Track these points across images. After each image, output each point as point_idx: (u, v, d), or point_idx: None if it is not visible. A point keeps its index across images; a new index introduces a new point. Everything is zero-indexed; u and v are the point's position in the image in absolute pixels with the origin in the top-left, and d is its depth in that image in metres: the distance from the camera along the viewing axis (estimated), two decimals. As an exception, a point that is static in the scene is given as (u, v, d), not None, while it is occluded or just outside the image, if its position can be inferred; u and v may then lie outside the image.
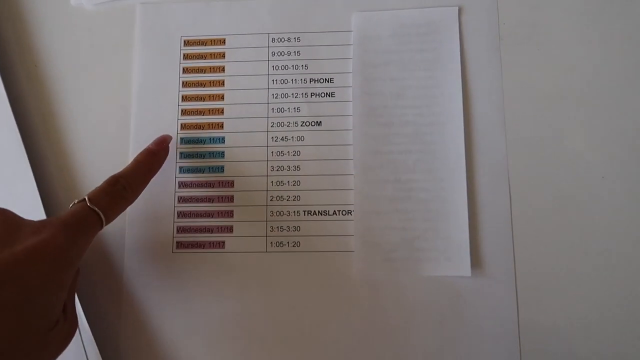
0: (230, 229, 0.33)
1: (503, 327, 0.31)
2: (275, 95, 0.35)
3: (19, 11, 0.37)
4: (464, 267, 0.31)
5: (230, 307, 0.32)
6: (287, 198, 0.33)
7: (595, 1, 0.34)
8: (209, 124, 0.34)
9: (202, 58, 0.35)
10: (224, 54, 0.35)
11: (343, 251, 0.32)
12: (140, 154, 0.31)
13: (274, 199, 0.33)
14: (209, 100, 0.35)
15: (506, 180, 0.33)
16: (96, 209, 0.26)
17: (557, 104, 0.33)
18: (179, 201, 0.34)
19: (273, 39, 0.35)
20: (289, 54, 0.35)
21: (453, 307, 0.31)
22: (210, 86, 0.35)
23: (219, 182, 0.34)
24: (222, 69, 0.35)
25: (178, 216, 0.34)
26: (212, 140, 0.34)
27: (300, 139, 0.34)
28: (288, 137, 0.34)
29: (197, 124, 0.35)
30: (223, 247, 0.33)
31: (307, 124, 0.34)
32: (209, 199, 0.34)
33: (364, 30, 0.34)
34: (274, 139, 0.34)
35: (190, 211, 0.34)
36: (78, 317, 0.31)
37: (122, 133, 0.35)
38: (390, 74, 0.34)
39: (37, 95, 0.36)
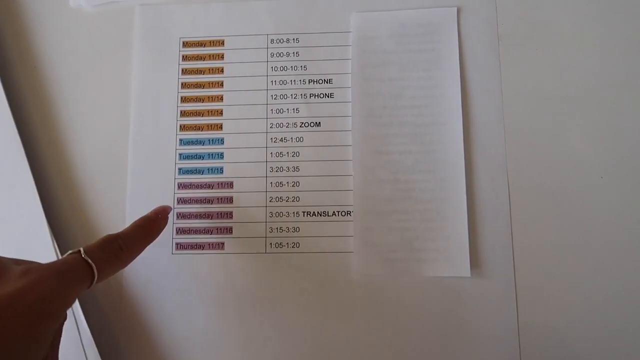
0: (229, 230, 0.33)
1: (502, 327, 0.31)
2: (274, 96, 0.35)
3: (19, 13, 0.37)
4: (464, 267, 0.31)
5: (229, 309, 0.32)
6: (286, 199, 0.33)
7: (594, 1, 0.34)
8: (208, 125, 0.35)
9: (201, 59, 0.35)
10: (222, 55, 0.35)
11: (342, 252, 0.32)
12: (139, 219, 0.30)
13: (273, 199, 0.33)
14: (208, 101, 0.35)
15: (505, 181, 0.33)
16: (90, 261, 0.24)
17: (556, 104, 0.33)
18: (178, 202, 0.34)
19: (272, 40, 0.35)
20: (288, 55, 0.35)
21: (452, 308, 0.31)
22: (209, 87, 0.35)
23: (218, 184, 0.34)
24: (221, 70, 0.35)
25: (177, 217, 0.34)
26: (211, 141, 0.34)
27: (300, 139, 0.34)
28: (287, 138, 0.34)
29: (196, 125, 0.35)
30: (222, 248, 0.33)
31: (306, 124, 0.34)
32: (209, 200, 0.34)
33: (362, 31, 0.34)
34: (273, 139, 0.34)
35: (190, 212, 0.34)
36: (78, 318, 0.31)
37: (122, 134, 0.35)
38: (389, 74, 0.34)
39: (37, 96, 0.36)
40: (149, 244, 0.30)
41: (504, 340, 0.31)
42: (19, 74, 0.36)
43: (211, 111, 0.35)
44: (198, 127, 0.35)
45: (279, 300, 0.32)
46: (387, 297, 0.32)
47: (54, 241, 0.33)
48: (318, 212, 0.33)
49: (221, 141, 0.34)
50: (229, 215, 0.33)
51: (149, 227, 0.30)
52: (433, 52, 0.34)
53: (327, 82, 0.34)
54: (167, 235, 0.33)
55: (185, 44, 0.36)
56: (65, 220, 0.34)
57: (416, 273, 0.32)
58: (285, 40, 0.35)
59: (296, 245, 0.33)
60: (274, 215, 0.33)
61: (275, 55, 0.35)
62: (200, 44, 0.35)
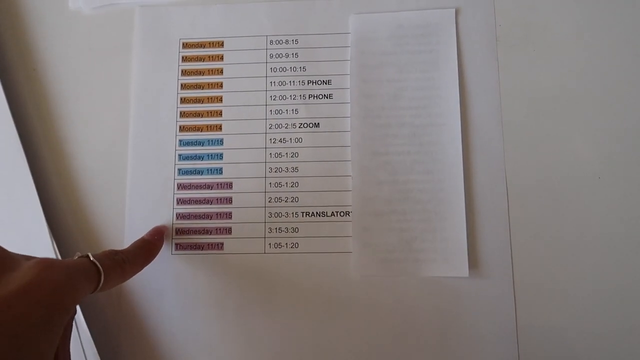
0: (229, 231, 0.33)
1: (501, 327, 0.31)
2: (273, 97, 0.35)
3: (18, 15, 0.37)
4: (462, 268, 0.32)
5: (229, 309, 0.32)
6: (285, 199, 0.34)
7: (592, 2, 0.34)
8: (207, 126, 0.35)
9: (201, 60, 0.35)
10: (222, 56, 0.35)
11: (341, 252, 0.33)
12: (137, 241, 0.31)
13: (272, 200, 0.34)
14: (208, 102, 0.35)
15: (503, 181, 0.33)
16: (98, 264, 0.25)
17: (554, 104, 0.33)
18: (177, 203, 0.34)
19: (271, 41, 0.35)
20: (287, 56, 0.35)
21: (451, 308, 0.32)
22: (208, 88, 0.35)
23: (218, 184, 0.34)
24: (221, 71, 0.35)
25: (177, 218, 0.34)
26: (211, 142, 0.34)
27: (299, 140, 0.34)
28: (286, 139, 0.34)
29: (195, 125, 0.35)
30: (222, 248, 0.33)
31: (305, 125, 0.34)
32: (208, 201, 0.34)
33: (361, 32, 0.35)
34: (272, 140, 0.34)
35: (189, 213, 0.34)
36: (77, 319, 0.32)
37: (121, 135, 0.35)
38: (387, 75, 0.34)
39: (36, 98, 0.36)
40: (148, 262, 0.30)
41: (503, 340, 0.31)
42: (18, 76, 0.36)
43: (211, 112, 0.35)
44: (197, 128, 0.35)
45: (278, 301, 0.32)
46: (385, 297, 0.32)
47: (54, 243, 0.33)
48: (317, 213, 0.33)
49: (220, 142, 0.34)
50: (229, 215, 0.33)
51: (147, 247, 0.31)
52: (431, 53, 0.34)
53: (326, 83, 0.35)
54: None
55: (185, 45, 0.36)
56: (65, 221, 0.34)
57: (414, 273, 0.32)
58: (284, 41, 0.35)
59: (295, 245, 0.33)
60: (273, 215, 0.33)
61: (274, 57, 0.35)
62: (200, 45, 0.36)
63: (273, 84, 0.35)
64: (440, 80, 0.34)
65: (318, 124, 0.34)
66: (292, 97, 0.35)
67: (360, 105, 0.34)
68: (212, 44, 0.35)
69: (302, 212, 0.33)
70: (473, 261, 0.32)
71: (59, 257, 0.33)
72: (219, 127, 0.35)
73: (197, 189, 0.34)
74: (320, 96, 0.34)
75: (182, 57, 0.36)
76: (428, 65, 0.34)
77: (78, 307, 0.32)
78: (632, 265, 0.31)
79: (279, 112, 0.34)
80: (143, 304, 0.33)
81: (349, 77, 0.34)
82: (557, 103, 0.33)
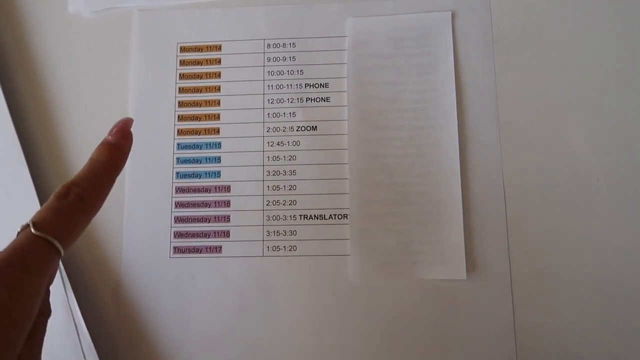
0: (227, 234, 0.33)
1: (499, 330, 0.31)
2: (270, 101, 0.35)
3: (18, 18, 0.37)
4: (460, 270, 0.32)
5: (227, 312, 0.32)
6: (283, 202, 0.34)
7: (589, 4, 0.34)
8: (205, 130, 0.35)
9: (199, 64, 0.35)
10: (220, 60, 0.35)
11: (339, 255, 0.33)
12: (96, 149, 0.24)
13: (270, 203, 0.34)
14: (205, 105, 0.35)
15: (501, 184, 0.33)
16: (46, 235, 0.19)
17: (551, 106, 0.33)
18: (175, 206, 0.34)
19: (268, 45, 0.35)
20: (285, 59, 0.35)
21: (448, 311, 0.32)
22: (206, 92, 0.35)
23: (216, 187, 0.34)
24: (218, 75, 0.35)
25: (175, 221, 0.34)
26: (209, 145, 0.35)
27: (296, 143, 0.34)
28: (284, 142, 0.34)
29: (193, 129, 0.35)
30: (220, 251, 0.33)
31: (303, 128, 0.34)
32: (206, 204, 0.34)
33: (358, 35, 0.35)
34: (270, 143, 0.34)
35: (187, 216, 0.34)
36: (77, 322, 0.32)
37: (120, 139, 0.35)
38: (384, 78, 0.34)
39: (36, 102, 0.36)
40: (116, 176, 0.23)
41: (501, 342, 0.31)
42: (18, 79, 0.36)
43: (208, 115, 0.35)
44: (195, 132, 0.35)
45: (276, 304, 0.32)
46: (383, 299, 0.32)
47: (53, 245, 0.33)
48: (315, 216, 0.33)
49: (218, 145, 0.34)
50: (227, 218, 0.34)
51: (111, 155, 0.23)
52: (428, 56, 0.34)
53: (323, 86, 0.35)
54: (164, 239, 0.33)
55: (183, 49, 0.36)
56: (65, 224, 0.34)
57: (412, 276, 0.32)
58: (281, 44, 0.35)
59: (293, 248, 0.33)
60: (271, 218, 0.33)
61: (271, 60, 0.35)
62: (198, 49, 0.36)
63: (270, 87, 0.35)
64: (437, 82, 0.34)
65: (315, 127, 0.34)
66: (290, 100, 0.35)
67: (357, 108, 0.34)
68: (209, 48, 0.36)
69: (300, 215, 0.33)
70: (471, 264, 0.32)
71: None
72: (216, 131, 0.35)
73: (195, 192, 0.34)
74: (318, 99, 0.35)
75: (180, 61, 0.36)
76: (425, 68, 0.34)
77: (78, 312, 0.32)
78: (631, 267, 0.31)
79: (276, 115, 0.35)
80: (141, 307, 0.33)
81: (346, 80, 0.34)
82: (555, 105, 0.33)
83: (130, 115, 0.35)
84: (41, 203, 0.33)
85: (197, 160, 0.34)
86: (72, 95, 0.36)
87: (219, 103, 0.35)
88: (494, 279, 0.32)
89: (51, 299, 0.22)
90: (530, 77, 0.34)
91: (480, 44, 0.34)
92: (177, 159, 0.35)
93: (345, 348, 0.32)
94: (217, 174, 0.34)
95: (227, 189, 0.34)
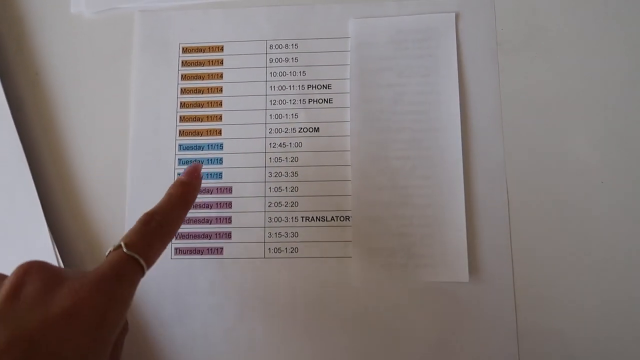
0: (228, 235, 0.33)
1: (501, 332, 0.31)
2: (273, 102, 0.35)
3: (20, 19, 0.37)
4: (462, 273, 0.31)
5: (228, 314, 0.32)
6: (285, 204, 0.34)
7: (593, 6, 0.34)
8: (207, 131, 0.35)
9: (201, 65, 0.35)
10: (222, 61, 0.35)
11: (341, 257, 0.33)
12: (172, 186, 0.28)
13: (272, 205, 0.34)
14: (207, 106, 0.35)
15: (504, 186, 0.33)
16: (135, 255, 0.23)
17: (555, 109, 0.33)
18: (177, 207, 0.34)
19: (271, 46, 0.35)
20: (287, 60, 0.35)
21: (451, 313, 0.31)
22: (208, 93, 0.35)
23: (218, 189, 0.34)
24: (220, 76, 0.35)
25: (177, 222, 0.34)
26: (211, 146, 0.34)
27: (298, 145, 0.34)
28: (286, 144, 0.34)
29: (195, 130, 0.35)
30: (221, 253, 0.33)
31: (305, 130, 0.34)
32: (208, 205, 0.34)
33: (361, 36, 0.35)
34: (272, 145, 0.34)
35: (189, 217, 0.34)
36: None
37: (121, 139, 0.35)
38: (387, 80, 0.34)
39: (38, 102, 0.36)
40: (188, 209, 0.28)
41: (503, 345, 0.31)
42: (20, 80, 0.36)
43: (210, 116, 0.35)
44: (197, 133, 0.35)
45: (277, 306, 0.32)
46: (385, 302, 0.32)
47: (55, 246, 0.33)
48: (317, 217, 0.33)
49: (220, 146, 0.34)
50: (228, 220, 0.34)
51: (185, 191, 0.28)
52: (431, 57, 0.34)
53: (325, 88, 0.35)
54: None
55: (185, 50, 0.36)
56: (66, 225, 0.34)
57: (414, 278, 0.32)
58: (284, 46, 0.35)
59: (295, 250, 0.33)
60: (272, 220, 0.33)
61: (274, 61, 0.35)
62: (200, 49, 0.36)
63: (273, 88, 0.35)
64: (440, 84, 0.34)
65: (318, 128, 0.34)
66: (292, 102, 0.35)
67: (360, 109, 0.34)
68: (212, 49, 0.36)
69: (302, 217, 0.33)
70: (473, 266, 0.32)
71: (60, 262, 0.33)
72: (218, 132, 0.35)
73: (196, 193, 0.34)
74: (320, 100, 0.34)
75: (182, 62, 0.36)
76: (428, 69, 0.34)
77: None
78: (635, 270, 0.31)
79: (278, 116, 0.34)
80: (142, 308, 0.33)
81: (348, 82, 0.34)
82: (559, 107, 0.33)
83: (132, 116, 0.35)
84: (42, 204, 0.33)
85: (199, 161, 0.34)
86: (73, 96, 0.36)
87: (221, 104, 0.35)
88: (497, 282, 0.32)
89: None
90: (534, 80, 0.34)
91: (484, 46, 0.34)
92: (179, 160, 0.34)
93: (347, 350, 0.32)
94: (219, 175, 0.34)
95: (229, 190, 0.34)
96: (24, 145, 0.34)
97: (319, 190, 0.33)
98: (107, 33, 0.36)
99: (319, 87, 0.35)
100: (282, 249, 0.33)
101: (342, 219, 0.33)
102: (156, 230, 0.25)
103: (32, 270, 0.22)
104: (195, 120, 0.35)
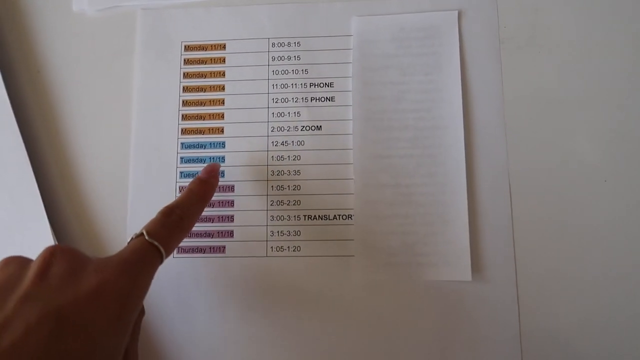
0: (230, 234, 0.33)
1: (504, 332, 0.31)
2: (275, 100, 0.35)
3: (22, 17, 0.37)
4: (465, 271, 0.31)
5: (230, 312, 0.32)
6: (287, 202, 0.33)
7: (596, 4, 0.34)
8: (209, 129, 0.35)
9: (203, 63, 0.35)
10: (224, 59, 0.35)
11: (343, 256, 0.32)
12: (192, 183, 0.30)
13: (274, 203, 0.33)
14: (210, 105, 0.35)
15: (507, 185, 0.32)
16: (156, 242, 0.25)
17: (558, 107, 0.33)
18: (179, 206, 0.34)
19: (273, 44, 0.35)
20: (289, 58, 0.35)
21: (454, 312, 0.31)
22: (210, 91, 0.35)
23: (220, 187, 0.34)
24: (223, 74, 0.35)
25: (179, 221, 0.34)
26: (213, 145, 0.34)
27: (301, 143, 0.34)
28: (288, 142, 0.34)
29: (197, 128, 0.35)
30: (224, 251, 0.33)
31: (307, 128, 0.34)
32: (210, 204, 0.34)
33: (363, 34, 0.34)
34: (274, 143, 0.34)
35: (191, 216, 0.34)
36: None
37: (124, 137, 0.35)
38: (390, 78, 0.34)
39: (40, 100, 0.36)
40: (205, 206, 0.30)
41: (506, 345, 0.31)
42: (22, 78, 0.36)
43: (212, 115, 0.35)
44: (199, 131, 0.35)
45: (280, 304, 0.32)
46: (387, 301, 0.32)
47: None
48: (319, 216, 0.33)
49: (222, 145, 0.34)
50: (230, 218, 0.33)
51: (203, 189, 0.30)
52: (434, 55, 0.34)
53: (328, 86, 0.34)
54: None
55: (187, 48, 0.36)
56: (68, 223, 0.34)
57: (417, 277, 0.32)
58: (286, 43, 0.35)
59: (297, 248, 0.33)
60: (275, 218, 0.33)
61: (276, 59, 0.35)
62: (202, 47, 0.36)
63: (275, 86, 0.35)
64: (442, 82, 0.33)
65: (320, 126, 0.34)
66: (294, 100, 0.34)
67: (362, 108, 0.34)
68: (214, 47, 0.35)
69: (304, 215, 0.33)
70: (476, 265, 0.32)
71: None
72: (220, 130, 0.34)
73: (198, 192, 0.34)
74: (323, 99, 0.34)
75: (184, 60, 0.35)
76: (431, 67, 0.34)
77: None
78: (637, 269, 0.31)
79: (281, 114, 0.34)
80: (144, 307, 0.33)
81: (351, 80, 0.34)
82: (562, 106, 0.33)
83: (134, 114, 0.35)
84: (44, 202, 0.33)
85: (201, 160, 0.34)
86: (75, 94, 0.36)
87: (223, 102, 0.35)
88: (500, 281, 0.31)
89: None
90: (537, 78, 0.33)
91: (487, 43, 0.34)
92: (181, 158, 0.34)
93: (349, 349, 0.32)
94: (221, 174, 0.34)
95: (231, 188, 0.34)
96: (26, 143, 0.34)
97: (321, 189, 0.33)
98: (109, 31, 0.36)
99: (322, 85, 0.34)
100: (284, 248, 0.33)
101: (344, 217, 0.33)
102: (176, 222, 0.27)
103: (58, 252, 0.23)
104: (197, 119, 0.35)
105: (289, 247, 0.33)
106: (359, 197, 0.33)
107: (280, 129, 0.34)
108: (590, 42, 0.34)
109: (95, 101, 0.36)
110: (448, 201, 0.32)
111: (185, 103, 0.35)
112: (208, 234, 0.33)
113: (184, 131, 0.35)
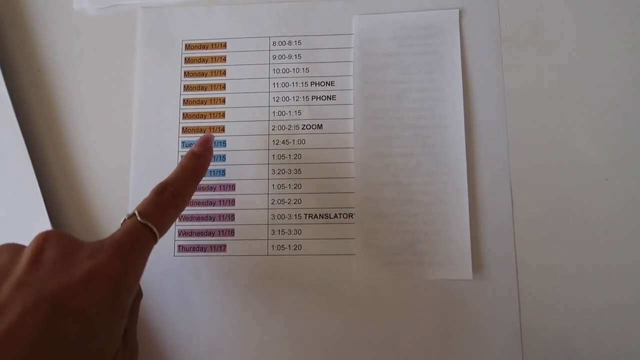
0: (231, 233, 0.33)
1: (505, 330, 0.31)
2: (276, 99, 0.35)
3: (23, 16, 0.37)
4: (466, 270, 0.31)
5: (231, 311, 0.32)
6: (288, 201, 0.33)
7: (597, 3, 0.34)
8: (210, 128, 0.35)
9: (204, 61, 0.35)
10: (225, 58, 0.35)
11: (344, 254, 0.32)
12: (185, 157, 0.29)
13: (275, 202, 0.33)
14: (210, 103, 0.35)
15: (508, 183, 0.32)
16: (148, 223, 0.25)
17: (559, 106, 0.33)
18: (180, 204, 0.34)
19: (274, 42, 0.35)
20: (290, 57, 0.35)
21: (455, 311, 0.31)
22: (211, 90, 0.35)
23: (220, 186, 0.34)
24: (224, 73, 0.35)
25: (179, 219, 0.34)
26: (214, 143, 0.34)
27: (301, 142, 0.34)
28: (289, 141, 0.34)
29: (198, 127, 0.35)
30: (224, 250, 0.33)
31: (308, 127, 0.34)
32: (210, 202, 0.34)
33: (364, 33, 0.34)
34: (275, 142, 0.34)
35: (192, 215, 0.34)
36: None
37: (124, 136, 0.35)
38: (391, 76, 0.34)
39: (41, 99, 0.36)
40: (199, 180, 0.29)
41: (507, 343, 0.31)
42: (23, 77, 0.36)
43: (213, 113, 0.35)
44: (200, 130, 0.35)
45: (280, 303, 0.32)
46: (388, 300, 0.32)
47: (57, 243, 0.33)
48: (320, 215, 0.33)
49: (223, 143, 0.34)
50: (231, 217, 0.33)
51: (196, 163, 0.29)
52: (435, 54, 0.34)
53: (329, 85, 0.34)
54: (169, 238, 0.33)
55: (188, 47, 0.36)
56: (69, 221, 0.34)
57: (418, 276, 0.32)
58: (287, 42, 0.35)
59: (298, 247, 0.33)
60: (275, 217, 0.33)
61: (277, 58, 0.35)
62: (203, 46, 0.36)
63: (276, 85, 0.35)
64: (444, 81, 0.33)
65: (321, 125, 0.34)
66: (295, 99, 0.34)
67: (363, 106, 0.34)
68: (214, 45, 0.35)
69: (305, 214, 0.33)
70: (477, 264, 0.32)
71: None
72: (221, 129, 0.34)
73: (199, 190, 0.34)
74: (324, 97, 0.34)
75: (185, 59, 0.35)
76: (432, 66, 0.34)
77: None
78: (638, 267, 0.31)
79: (281, 113, 0.34)
80: (145, 305, 0.33)
81: (352, 79, 0.34)
82: (563, 105, 0.33)
83: (135, 113, 0.35)
84: (45, 200, 0.33)
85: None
86: (76, 93, 0.36)
87: (224, 101, 0.35)
88: (501, 279, 0.31)
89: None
90: (539, 76, 0.33)
91: (488, 42, 0.34)
92: (182, 156, 0.34)
93: (350, 348, 0.32)
94: (222, 172, 0.34)
95: (232, 187, 0.34)
96: (26, 141, 0.34)
97: (322, 188, 0.33)
98: (110, 30, 0.36)
99: (322, 84, 0.34)
100: (285, 247, 0.33)
101: (345, 216, 0.33)
102: (169, 200, 0.26)
103: (50, 237, 0.23)
104: (198, 117, 0.35)
105: (289, 245, 0.33)
106: (360, 196, 0.33)
107: (281, 127, 0.34)
108: (591, 40, 0.34)
109: (96, 100, 0.36)
110: (449, 200, 0.32)
111: (186, 102, 0.35)
112: (209, 233, 0.33)
113: (185, 130, 0.35)
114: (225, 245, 0.33)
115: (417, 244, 0.32)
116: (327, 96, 0.34)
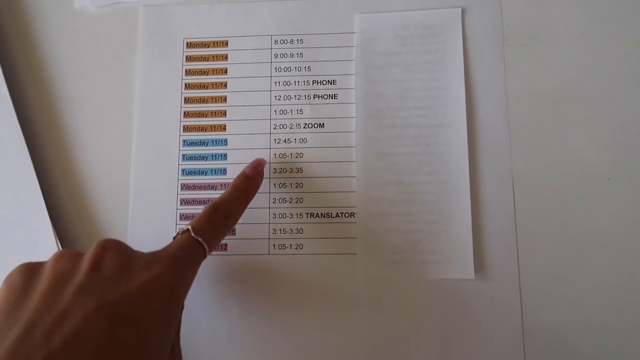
0: (232, 232, 0.33)
1: (507, 329, 0.31)
2: (277, 97, 0.34)
3: (23, 14, 0.37)
4: (468, 270, 0.31)
5: (232, 310, 0.32)
6: (289, 200, 0.33)
7: (600, 2, 0.34)
8: (211, 126, 0.34)
9: (205, 60, 0.35)
10: (226, 56, 0.35)
11: (346, 254, 0.32)
12: (238, 179, 0.31)
13: (276, 201, 0.33)
14: (212, 102, 0.35)
15: (510, 182, 0.32)
16: (200, 239, 0.26)
17: (562, 105, 0.33)
18: (181, 203, 0.34)
19: (276, 41, 0.35)
20: (292, 55, 0.35)
21: (456, 311, 0.31)
22: (212, 88, 0.35)
23: (222, 185, 0.34)
24: (225, 71, 0.35)
25: (180, 218, 0.34)
26: (215, 142, 0.34)
27: (303, 141, 0.34)
28: (291, 139, 0.34)
29: (199, 126, 0.35)
30: (225, 249, 0.33)
31: (310, 125, 0.34)
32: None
33: (366, 31, 0.34)
34: (277, 141, 0.34)
35: (193, 213, 0.33)
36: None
37: (125, 135, 0.35)
38: (393, 75, 0.34)
39: (41, 97, 0.36)
40: (249, 202, 0.30)
41: (509, 343, 0.31)
42: (23, 75, 0.36)
43: (215, 112, 0.35)
44: (201, 128, 0.35)
45: (282, 302, 0.32)
46: (390, 299, 0.32)
47: (58, 242, 0.33)
48: (321, 214, 0.33)
49: (224, 142, 0.34)
50: (232, 216, 0.33)
51: (248, 185, 0.31)
52: (437, 53, 0.34)
53: (331, 83, 0.34)
54: (169, 236, 0.33)
55: (189, 45, 0.36)
56: (69, 221, 0.34)
57: (420, 275, 0.32)
58: (289, 41, 0.35)
59: (299, 246, 0.33)
60: (277, 216, 0.33)
61: (279, 56, 0.35)
62: (204, 44, 0.35)
63: (278, 83, 0.35)
64: (446, 80, 0.33)
65: (323, 124, 0.34)
66: (297, 97, 0.34)
67: (365, 105, 0.34)
68: (216, 44, 0.35)
69: (307, 213, 0.33)
70: (479, 263, 0.31)
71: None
72: (223, 128, 0.34)
73: (201, 189, 0.34)
74: (325, 96, 0.34)
75: (186, 57, 0.35)
76: (434, 65, 0.34)
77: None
78: (641, 268, 0.31)
79: (283, 112, 0.34)
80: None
81: (354, 77, 0.34)
82: (566, 104, 0.33)
83: (136, 111, 0.35)
84: (46, 199, 0.33)
85: (203, 157, 0.34)
86: (77, 91, 0.36)
87: (225, 99, 0.35)
88: (503, 279, 0.31)
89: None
90: (541, 75, 0.33)
91: (491, 41, 0.34)
92: (183, 155, 0.34)
93: (351, 347, 0.31)
94: (223, 171, 0.34)
95: (233, 186, 0.34)
96: (27, 140, 0.34)
97: (323, 187, 0.33)
98: (111, 28, 0.36)
99: (324, 82, 0.34)
100: (286, 246, 0.33)
101: (347, 215, 0.33)
102: (221, 220, 0.28)
103: (109, 246, 0.24)
104: (199, 116, 0.35)
105: (291, 245, 0.33)
106: (362, 195, 0.33)
107: (283, 126, 0.34)
108: (594, 39, 0.33)
109: (97, 98, 0.36)
110: (451, 199, 0.32)
111: (187, 100, 0.35)
112: (210, 232, 0.33)
113: (186, 128, 0.35)
114: (226, 245, 0.33)
115: (418, 243, 0.32)
116: (329, 95, 0.34)
